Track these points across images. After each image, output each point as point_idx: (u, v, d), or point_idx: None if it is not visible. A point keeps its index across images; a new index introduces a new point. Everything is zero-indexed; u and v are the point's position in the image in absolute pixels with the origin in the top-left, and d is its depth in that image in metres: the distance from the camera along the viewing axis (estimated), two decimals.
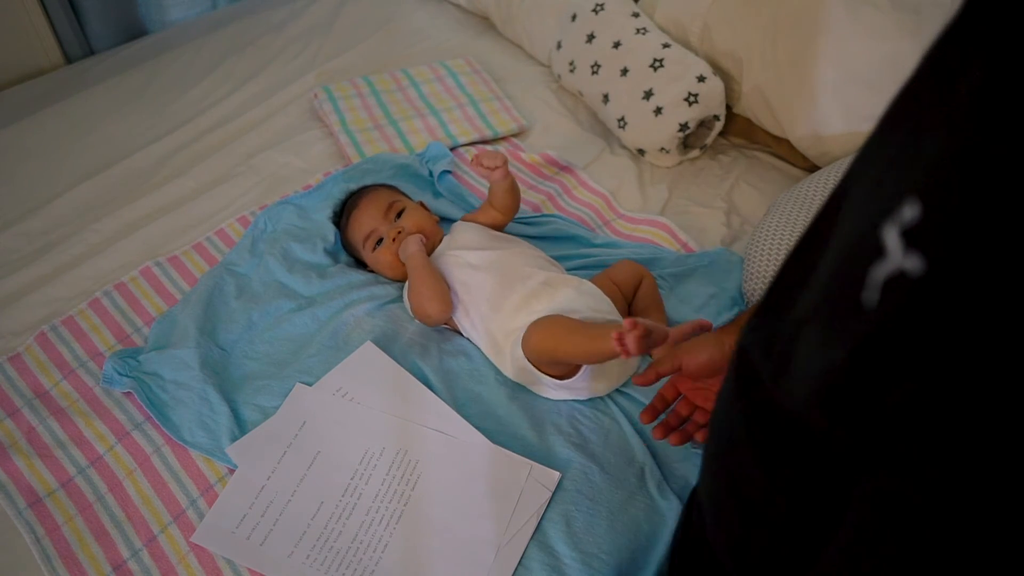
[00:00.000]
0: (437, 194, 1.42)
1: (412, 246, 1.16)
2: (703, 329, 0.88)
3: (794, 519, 0.41)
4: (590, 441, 1.01)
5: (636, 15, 1.56)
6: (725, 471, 0.48)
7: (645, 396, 1.06)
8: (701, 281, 1.25)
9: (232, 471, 1.00)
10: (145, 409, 1.06)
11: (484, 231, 1.21)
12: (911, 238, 0.28)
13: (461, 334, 1.16)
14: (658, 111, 1.45)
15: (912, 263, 0.27)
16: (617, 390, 1.08)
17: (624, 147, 1.57)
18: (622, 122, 1.52)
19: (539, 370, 1.01)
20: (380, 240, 1.21)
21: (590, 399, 1.06)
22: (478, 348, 1.12)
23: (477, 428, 1.01)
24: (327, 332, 1.13)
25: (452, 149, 1.54)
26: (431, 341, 1.14)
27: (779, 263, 1.12)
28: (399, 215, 1.22)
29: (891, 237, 0.28)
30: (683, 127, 1.45)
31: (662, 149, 1.49)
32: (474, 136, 1.56)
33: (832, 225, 0.39)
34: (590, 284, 1.12)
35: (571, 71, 1.63)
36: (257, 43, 1.83)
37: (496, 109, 1.62)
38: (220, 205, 1.41)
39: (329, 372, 1.07)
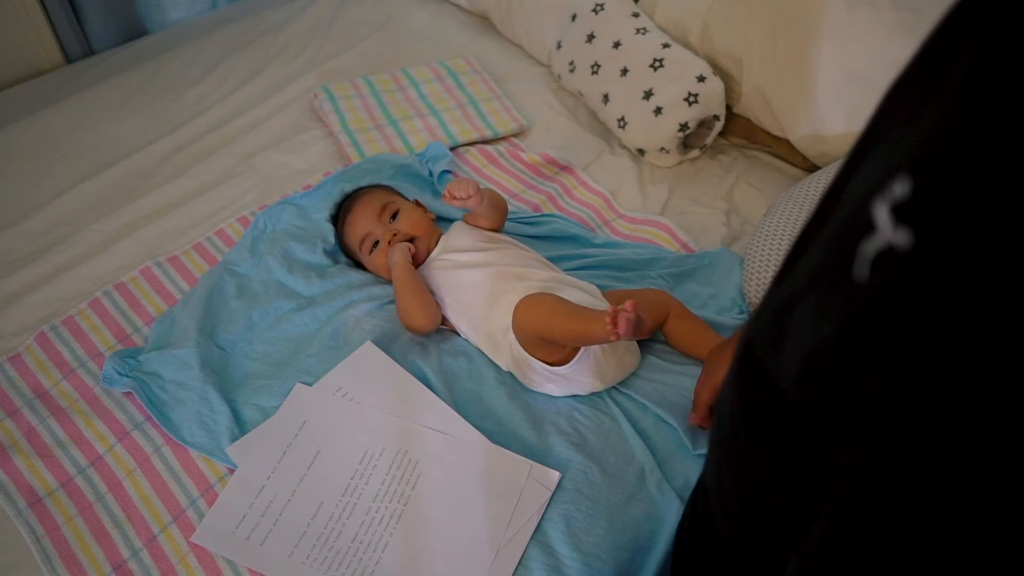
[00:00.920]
0: (437, 194, 1.42)
1: (397, 255, 1.15)
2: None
3: (792, 498, 0.42)
4: (589, 441, 1.01)
5: (636, 15, 1.56)
6: (728, 454, 0.49)
7: (645, 396, 1.06)
8: (701, 281, 1.25)
9: (232, 471, 1.00)
10: (145, 409, 1.06)
11: (480, 232, 1.21)
12: (901, 213, 0.28)
13: (460, 335, 1.16)
14: (658, 111, 1.45)
15: (901, 238, 0.28)
16: (617, 390, 1.08)
17: (624, 147, 1.57)
18: (622, 122, 1.52)
19: (531, 354, 1.01)
20: (377, 243, 1.20)
21: (590, 399, 1.06)
22: (477, 348, 1.12)
23: (477, 428, 1.01)
24: (327, 332, 1.13)
25: (452, 149, 1.54)
26: (431, 341, 1.14)
27: (781, 261, 1.13)
28: (394, 216, 1.22)
29: (881, 213, 0.29)
30: (683, 127, 1.45)
31: (662, 149, 1.49)
32: (474, 136, 1.56)
33: (833, 207, 0.40)
34: (590, 285, 1.11)
35: (571, 71, 1.63)
36: (257, 43, 1.83)
37: (496, 109, 1.62)
38: (220, 205, 1.41)
39: (329, 372, 1.07)
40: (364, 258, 1.23)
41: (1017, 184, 0.24)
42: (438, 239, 1.23)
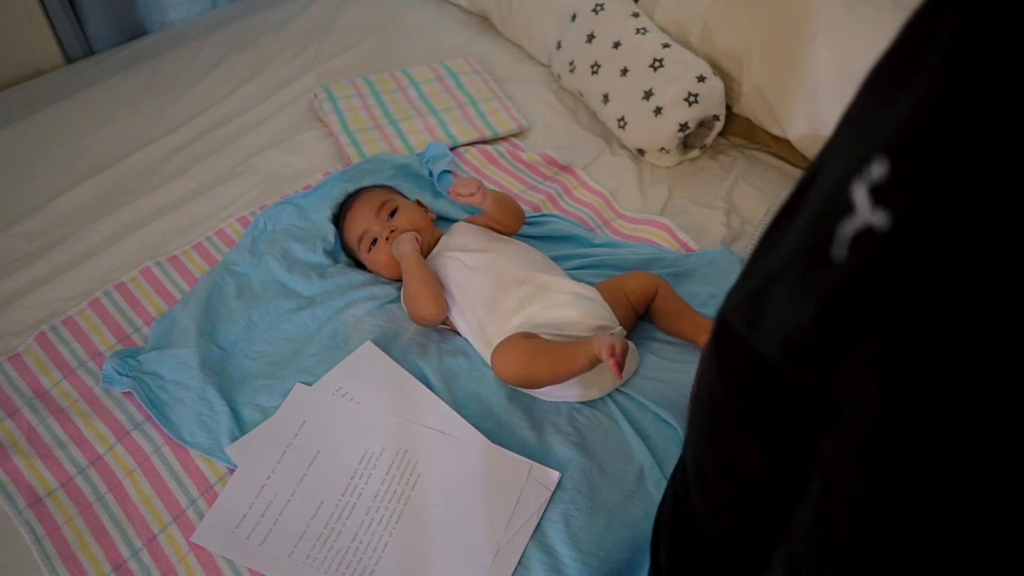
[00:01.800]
0: (437, 194, 1.42)
1: (405, 245, 1.15)
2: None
3: (774, 475, 0.42)
4: (589, 441, 1.01)
5: (636, 15, 1.56)
6: (708, 432, 0.49)
7: (643, 395, 1.06)
8: (701, 281, 1.25)
9: (232, 471, 1.00)
10: (145, 409, 1.06)
11: (481, 232, 1.21)
12: (879, 195, 0.28)
13: (460, 334, 1.16)
14: (658, 111, 1.45)
15: (879, 218, 0.28)
16: (616, 389, 1.08)
17: (624, 147, 1.57)
18: (622, 122, 1.52)
19: (516, 387, 1.03)
20: (375, 240, 1.20)
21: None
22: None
23: (477, 428, 1.01)
24: (327, 332, 1.13)
25: (452, 149, 1.54)
26: (431, 341, 1.14)
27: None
28: (392, 214, 1.22)
29: (860, 194, 0.29)
30: (683, 127, 1.45)
31: (662, 149, 1.49)
32: (474, 136, 1.56)
33: (809, 190, 0.40)
34: (588, 287, 1.11)
35: (571, 71, 1.63)
36: (257, 43, 1.83)
37: (496, 109, 1.62)
38: (220, 205, 1.42)
39: (329, 372, 1.07)
40: (363, 255, 1.23)
41: (991, 165, 0.24)
42: (437, 239, 1.23)
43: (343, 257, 1.30)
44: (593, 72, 1.56)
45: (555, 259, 1.23)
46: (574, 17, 1.63)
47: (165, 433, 1.04)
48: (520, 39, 1.85)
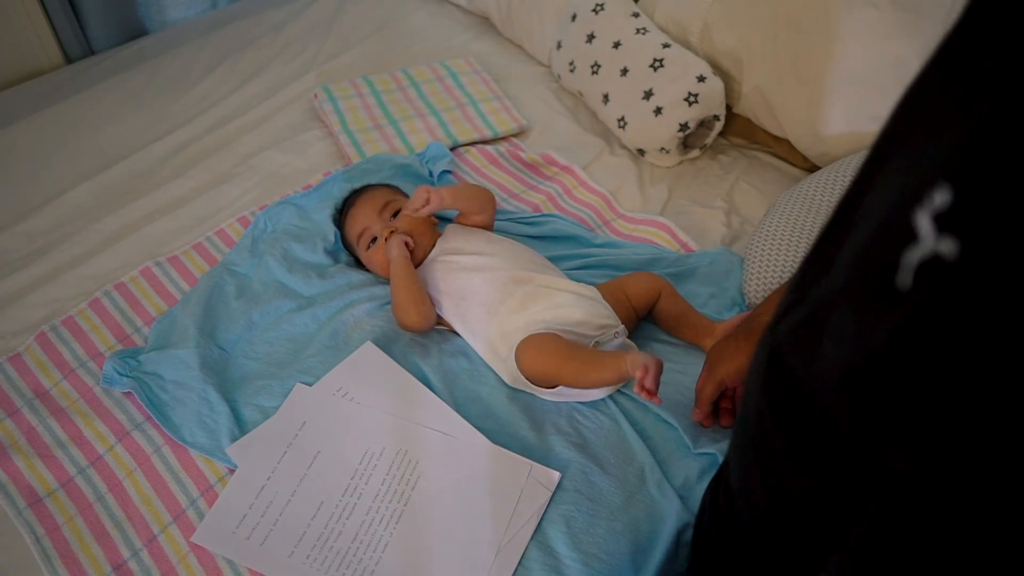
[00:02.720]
0: None
1: (395, 250, 1.15)
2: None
3: (828, 502, 0.42)
4: (590, 441, 1.01)
5: (636, 15, 1.56)
6: (756, 459, 0.49)
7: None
8: (701, 281, 1.25)
9: (232, 471, 1.00)
10: (145, 409, 1.06)
11: (477, 233, 1.21)
12: (943, 223, 0.28)
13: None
14: (658, 111, 1.45)
15: (946, 246, 0.28)
16: (617, 390, 1.07)
17: (624, 147, 1.57)
18: (622, 122, 1.52)
19: (532, 383, 1.03)
20: (374, 239, 1.20)
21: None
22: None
23: (477, 428, 1.01)
24: (327, 332, 1.13)
25: (452, 149, 1.54)
26: (431, 341, 1.14)
27: (782, 263, 1.13)
28: (395, 215, 1.22)
29: (924, 222, 0.29)
30: (683, 127, 1.45)
31: (662, 149, 1.49)
32: (474, 136, 1.56)
33: (854, 213, 0.40)
34: (588, 287, 1.11)
35: (571, 71, 1.63)
36: (257, 43, 1.83)
37: (496, 109, 1.62)
38: (220, 205, 1.41)
39: (329, 372, 1.07)
40: (362, 253, 1.23)
41: None
42: (436, 240, 1.23)
43: (343, 257, 1.30)
44: (593, 72, 1.56)
45: (555, 259, 1.23)
46: (574, 17, 1.63)
47: (165, 433, 1.04)
48: (520, 39, 1.85)
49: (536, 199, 1.44)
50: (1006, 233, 0.26)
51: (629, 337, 1.12)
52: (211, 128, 1.59)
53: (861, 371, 0.35)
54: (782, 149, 1.53)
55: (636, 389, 0.92)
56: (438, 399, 1.04)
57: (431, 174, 1.44)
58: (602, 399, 1.06)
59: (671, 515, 0.93)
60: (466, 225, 1.24)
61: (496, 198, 1.28)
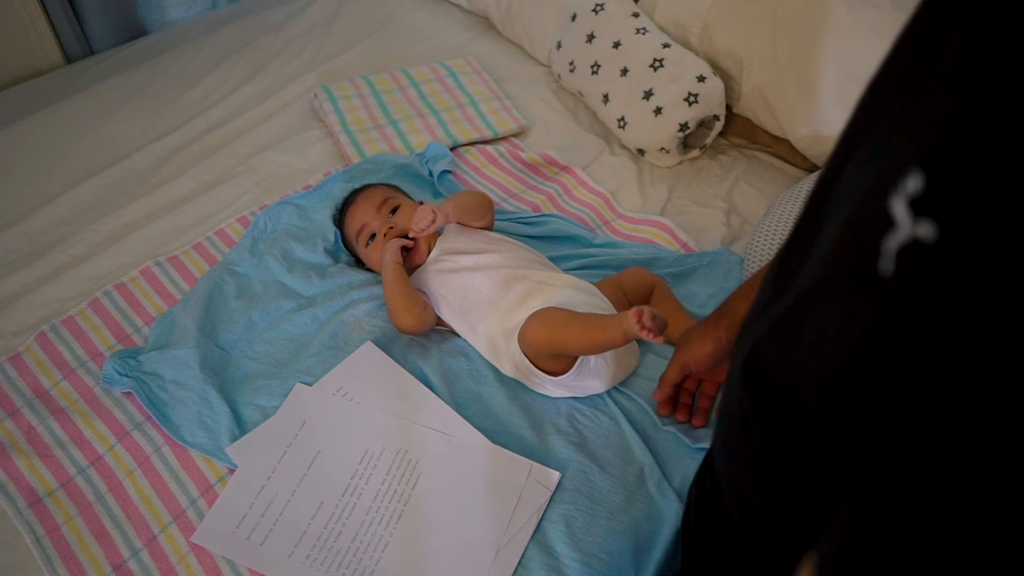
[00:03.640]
0: (437, 194, 1.42)
1: (388, 254, 1.15)
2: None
3: (807, 489, 0.42)
4: (589, 441, 1.01)
5: (636, 15, 1.56)
6: (741, 453, 0.50)
7: (644, 396, 1.06)
8: (701, 281, 1.25)
9: (232, 471, 1.00)
10: (145, 409, 1.06)
11: (476, 233, 1.21)
12: (919, 207, 0.29)
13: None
14: (658, 111, 1.45)
15: (924, 230, 0.29)
16: (616, 389, 1.08)
17: (624, 147, 1.57)
18: (622, 122, 1.52)
19: (535, 365, 1.01)
20: (373, 235, 1.20)
21: (590, 399, 1.06)
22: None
23: (477, 428, 1.01)
24: (327, 332, 1.13)
25: (452, 149, 1.54)
26: (431, 341, 1.14)
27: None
28: (394, 212, 1.22)
29: (899, 208, 0.30)
30: (683, 127, 1.45)
31: (662, 149, 1.49)
32: (474, 136, 1.56)
33: (826, 204, 0.40)
34: (586, 283, 1.12)
35: (571, 71, 1.63)
36: (257, 43, 1.83)
37: (496, 109, 1.62)
38: (220, 205, 1.41)
39: (329, 372, 1.07)
40: (361, 250, 1.23)
41: (1019, 167, 0.25)
42: (436, 240, 1.23)
43: (343, 257, 1.30)
44: (593, 72, 1.56)
45: (555, 259, 1.23)
46: (574, 17, 1.63)
47: (165, 433, 1.04)
48: (520, 39, 1.85)
49: (536, 199, 1.44)
50: (981, 212, 0.27)
51: None
52: (211, 128, 1.59)
53: (848, 359, 0.35)
54: (782, 149, 1.53)
55: (637, 329, 0.89)
56: (438, 399, 1.04)
57: (431, 174, 1.44)
58: (601, 399, 1.06)
59: (670, 515, 0.93)
60: (465, 226, 1.24)
61: (494, 199, 1.28)
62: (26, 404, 1.08)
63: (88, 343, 1.16)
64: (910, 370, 0.31)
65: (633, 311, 0.90)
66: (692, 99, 1.43)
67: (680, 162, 1.53)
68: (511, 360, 1.05)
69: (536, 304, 1.06)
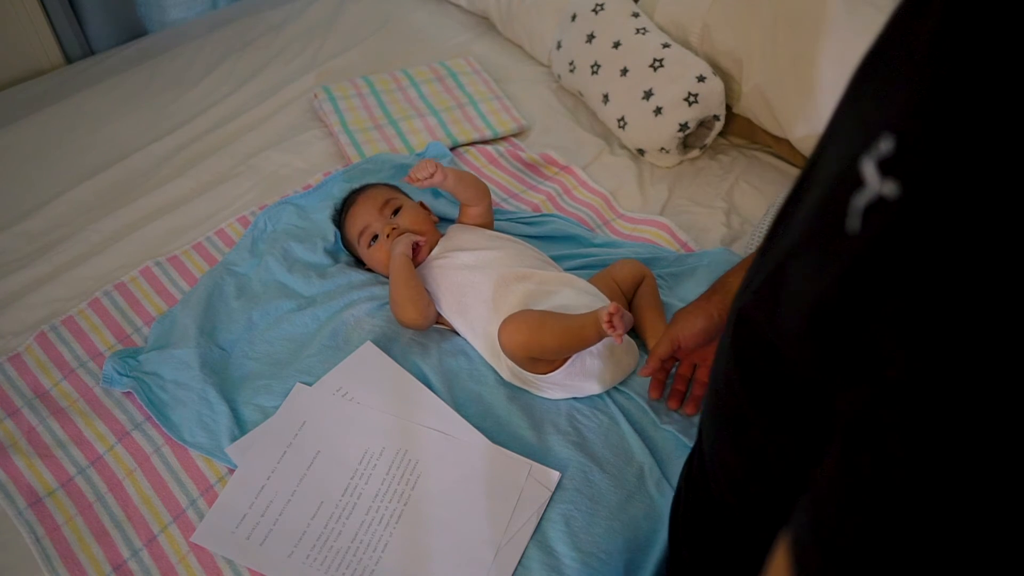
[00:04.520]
0: (437, 194, 1.42)
1: (399, 247, 1.15)
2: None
3: (792, 458, 0.43)
4: (589, 440, 1.01)
5: (636, 15, 1.56)
6: (728, 428, 0.51)
7: (643, 396, 1.06)
8: (701, 281, 1.25)
9: (232, 471, 1.00)
10: (145, 409, 1.06)
11: (479, 231, 1.21)
12: (886, 167, 0.31)
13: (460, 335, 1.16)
14: (658, 111, 1.45)
15: (889, 188, 0.31)
16: (616, 389, 1.08)
17: (624, 147, 1.57)
18: (622, 122, 1.52)
19: (525, 368, 1.01)
20: (375, 237, 1.20)
21: (589, 399, 1.06)
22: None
23: (477, 428, 1.01)
24: (327, 332, 1.13)
25: (452, 149, 1.54)
26: (431, 341, 1.14)
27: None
28: (396, 212, 1.22)
29: (868, 168, 0.32)
30: (683, 127, 1.45)
31: (662, 149, 1.49)
32: (474, 136, 1.56)
33: (812, 175, 0.43)
34: (587, 283, 1.12)
35: (571, 71, 1.63)
36: (257, 43, 1.83)
37: (496, 109, 1.62)
38: (220, 205, 1.42)
39: (329, 372, 1.07)
40: (362, 251, 1.23)
41: (985, 136, 0.27)
42: (438, 240, 1.23)
43: (343, 257, 1.30)
44: (593, 72, 1.56)
45: (555, 259, 1.23)
46: (574, 17, 1.63)
47: (165, 433, 1.04)
48: (520, 39, 1.85)
49: (536, 199, 1.44)
50: (942, 175, 0.29)
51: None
52: (211, 128, 1.59)
53: (818, 316, 0.37)
54: (782, 149, 1.53)
55: (606, 327, 0.91)
56: (438, 399, 1.04)
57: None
58: (601, 399, 1.06)
59: (669, 514, 0.93)
60: (468, 224, 1.24)
61: (493, 199, 1.28)
62: (26, 404, 1.08)
63: (88, 343, 1.16)
64: (873, 323, 0.32)
65: (605, 309, 0.91)
66: (692, 99, 1.43)
67: (680, 162, 1.53)
68: (508, 366, 1.05)
69: (536, 306, 1.06)
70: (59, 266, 1.29)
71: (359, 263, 1.28)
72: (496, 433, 1.01)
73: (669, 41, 1.51)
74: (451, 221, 1.30)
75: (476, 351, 1.12)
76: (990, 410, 0.28)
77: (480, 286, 1.11)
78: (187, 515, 0.97)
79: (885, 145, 0.31)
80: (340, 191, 1.35)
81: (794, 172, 1.52)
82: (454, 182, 1.17)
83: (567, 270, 1.21)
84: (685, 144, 1.52)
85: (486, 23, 1.96)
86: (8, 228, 1.36)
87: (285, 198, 1.39)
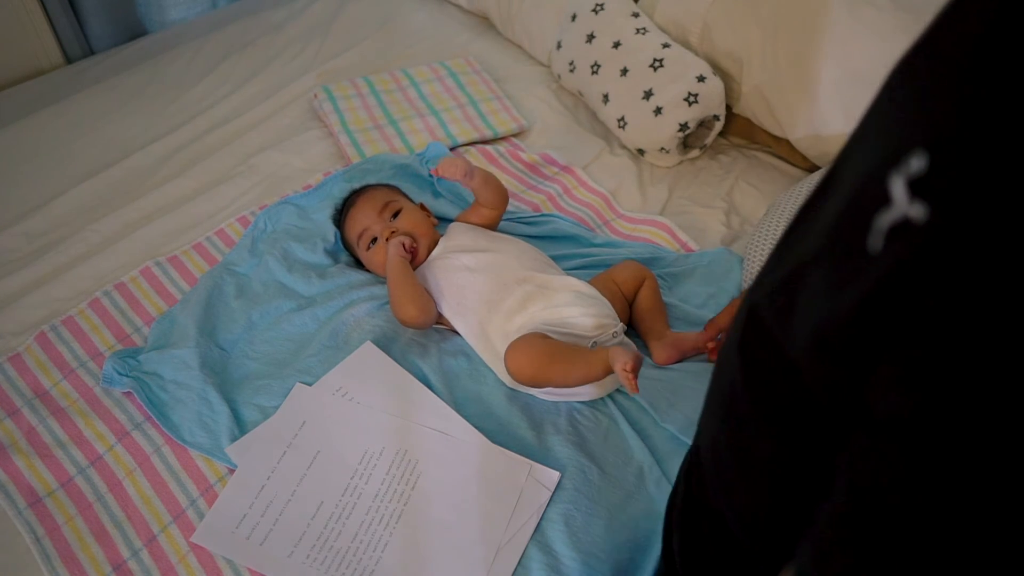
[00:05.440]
0: (437, 194, 1.42)
1: (391, 249, 1.15)
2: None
3: (792, 470, 0.42)
4: (589, 441, 1.01)
5: (636, 15, 1.56)
6: (725, 424, 0.50)
7: (644, 396, 1.06)
8: (701, 281, 1.25)
9: (232, 471, 1.00)
10: (145, 409, 1.06)
11: (480, 231, 1.21)
12: (917, 188, 0.29)
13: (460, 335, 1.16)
14: (658, 111, 1.45)
15: (916, 211, 0.28)
16: (616, 389, 1.08)
17: (624, 147, 1.57)
18: (622, 122, 1.52)
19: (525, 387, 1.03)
20: (374, 239, 1.20)
21: (589, 399, 1.06)
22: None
23: (477, 428, 1.01)
24: (327, 332, 1.13)
25: (452, 149, 1.54)
26: (431, 341, 1.14)
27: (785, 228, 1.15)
28: (395, 215, 1.22)
29: (897, 186, 0.30)
30: (683, 127, 1.45)
31: (662, 149, 1.49)
32: (474, 136, 1.56)
33: (837, 180, 0.41)
34: (588, 285, 1.12)
35: (571, 71, 1.63)
36: (257, 43, 1.83)
37: (496, 109, 1.62)
38: (220, 205, 1.42)
39: (329, 372, 1.07)
40: (362, 254, 1.23)
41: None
42: (438, 241, 1.23)
43: (343, 257, 1.30)
44: (593, 72, 1.56)
45: (555, 259, 1.23)
46: (574, 17, 1.63)
47: (165, 433, 1.04)
48: (520, 39, 1.85)
49: (536, 199, 1.44)
50: (976, 202, 0.26)
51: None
52: (211, 128, 1.59)
53: (831, 333, 0.35)
54: (782, 149, 1.53)
55: (624, 379, 0.92)
56: (438, 399, 1.04)
57: (431, 174, 1.44)
58: (601, 399, 1.06)
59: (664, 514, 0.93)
60: (469, 223, 1.24)
61: None
62: (26, 404, 1.08)
63: (88, 343, 1.16)
64: (891, 351, 0.31)
65: (620, 362, 0.91)
66: (692, 99, 1.43)
67: (680, 162, 1.53)
68: (505, 371, 1.05)
69: (536, 308, 1.06)
70: (59, 266, 1.29)
71: (359, 263, 1.28)
72: (496, 433, 1.01)
73: (669, 41, 1.51)
74: (451, 221, 1.30)
75: (476, 351, 1.12)
76: (1013, 469, 0.26)
77: (480, 287, 1.11)
78: (187, 515, 0.97)
79: (917, 163, 0.29)
80: (340, 191, 1.35)
81: (794, 172, 1.52)
82: (480, 183, 1.17)
83: (567, 270, 1.21)
84: (685, 144, 1.52)
85: (486, 23, 1.96)
86: (8, 228, 1.36)
87: (285, 198, 1.39)
